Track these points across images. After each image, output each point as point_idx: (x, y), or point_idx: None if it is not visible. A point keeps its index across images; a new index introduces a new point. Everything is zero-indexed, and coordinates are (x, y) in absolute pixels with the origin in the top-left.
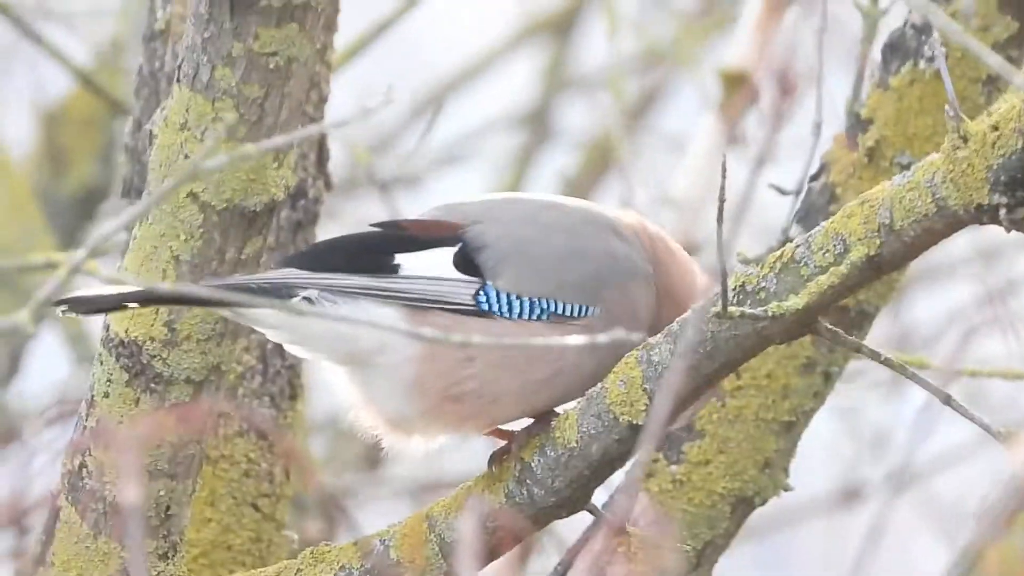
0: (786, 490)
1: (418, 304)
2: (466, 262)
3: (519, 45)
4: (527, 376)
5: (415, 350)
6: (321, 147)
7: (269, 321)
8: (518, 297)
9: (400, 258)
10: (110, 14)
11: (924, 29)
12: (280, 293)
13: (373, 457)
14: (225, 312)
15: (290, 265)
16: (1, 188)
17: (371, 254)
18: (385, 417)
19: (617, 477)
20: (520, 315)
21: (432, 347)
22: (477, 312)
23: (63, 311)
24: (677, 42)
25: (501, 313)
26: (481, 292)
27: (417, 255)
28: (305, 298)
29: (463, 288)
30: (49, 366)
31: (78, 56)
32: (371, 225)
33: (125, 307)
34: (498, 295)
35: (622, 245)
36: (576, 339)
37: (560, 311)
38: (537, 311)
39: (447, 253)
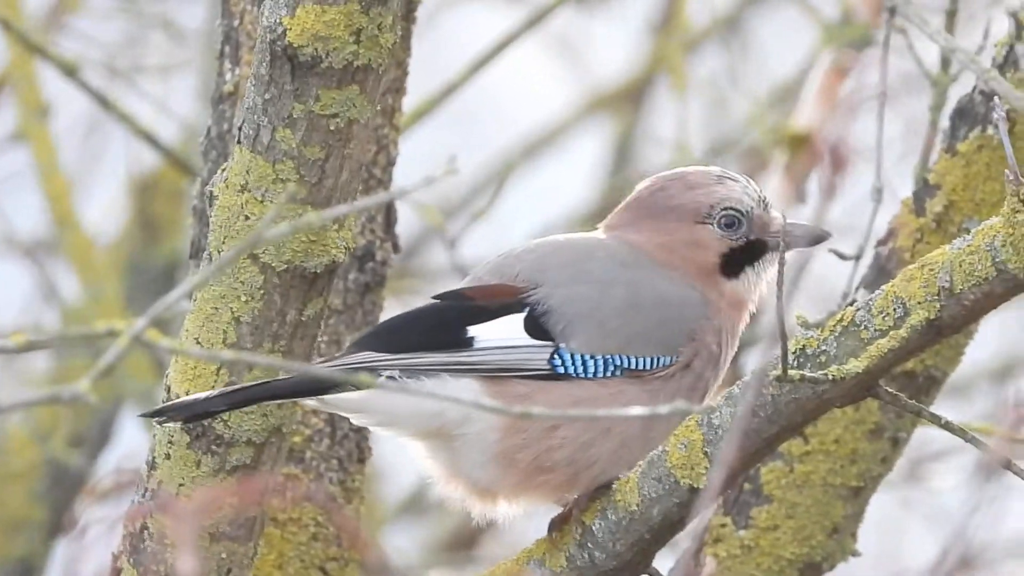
0: (854, 555)
1: (496, 374)
2: (535, 326)
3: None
4: (621, 434)
5: (498, 419)
6: (389, 210)
7: (355, 405)
8: (591, 356)
9: (473, 330)
10: (179, 69)
11: (992, 96)
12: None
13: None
14: (310, 401)
15: (365, 348)
16: (72, 252)
17: (444, 329)
18: (473, 487)
19: (680, 540)
20: (595, 374)
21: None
22: (554, 376)
23: (160, 423)
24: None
25: (576, 374)
26: (555, 355)
27: (488, 325)
28: (390, 377)
29: (537, 353)
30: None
31: (144, 116)
32: (433, 297)
33: (219, 412)
34: (572, 357)
35: (670, 285)
36: (637, 410)
37: (633, 366)
38: (611, 368)
39: (516, 320)
